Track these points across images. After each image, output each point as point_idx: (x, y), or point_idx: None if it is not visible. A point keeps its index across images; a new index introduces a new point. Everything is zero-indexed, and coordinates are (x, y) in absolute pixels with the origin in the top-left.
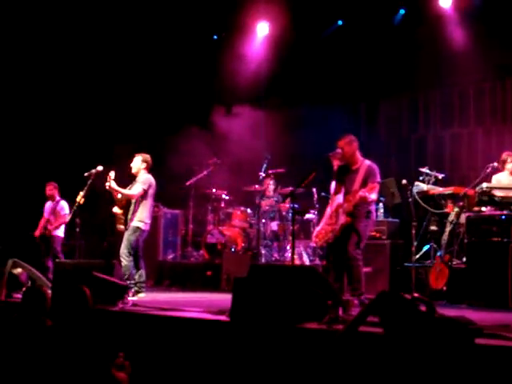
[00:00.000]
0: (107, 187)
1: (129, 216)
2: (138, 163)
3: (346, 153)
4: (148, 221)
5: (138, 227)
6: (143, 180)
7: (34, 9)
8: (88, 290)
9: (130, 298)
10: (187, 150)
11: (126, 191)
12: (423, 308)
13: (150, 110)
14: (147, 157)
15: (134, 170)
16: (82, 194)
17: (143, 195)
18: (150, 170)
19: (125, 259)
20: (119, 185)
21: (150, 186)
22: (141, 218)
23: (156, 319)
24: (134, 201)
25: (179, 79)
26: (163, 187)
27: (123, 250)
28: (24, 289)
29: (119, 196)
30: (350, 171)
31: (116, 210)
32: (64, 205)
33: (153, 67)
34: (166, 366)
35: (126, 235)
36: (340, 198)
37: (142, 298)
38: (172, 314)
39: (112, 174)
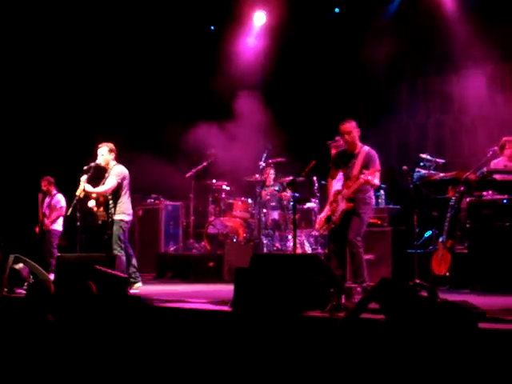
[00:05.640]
0: (82, 193)
1: (110, 210)
2: (106, 154)
3: (348, 138)
4: (129, 211)
5: (121, 220)
6: (117, 173)
7: (24, 4)
8: (93, 284)
9: (131, 291)
10: (186, 142)
11: (100, 189)
12: (425, 294)
13: (147, 101)
14: (112, 145)
15: (103, 163)
16: (81, 187)
17: (119, 187)
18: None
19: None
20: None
21: (124, 178)
22: (121, 210)
23: (159, 311)
24: (110, 196)
25: (176, 70)
26: (164, 179)
27: (114, 245)
28: (26, 284)
29: (94, 195)
30: (349, 157)
31: (92, 204)
32: (60, 198)
33: (149, 59)
34: (169, 356)
35: (113, 231)
36: (338, 184)
37: (139, 287)
38: (175, 306)
39: (84, 178)
